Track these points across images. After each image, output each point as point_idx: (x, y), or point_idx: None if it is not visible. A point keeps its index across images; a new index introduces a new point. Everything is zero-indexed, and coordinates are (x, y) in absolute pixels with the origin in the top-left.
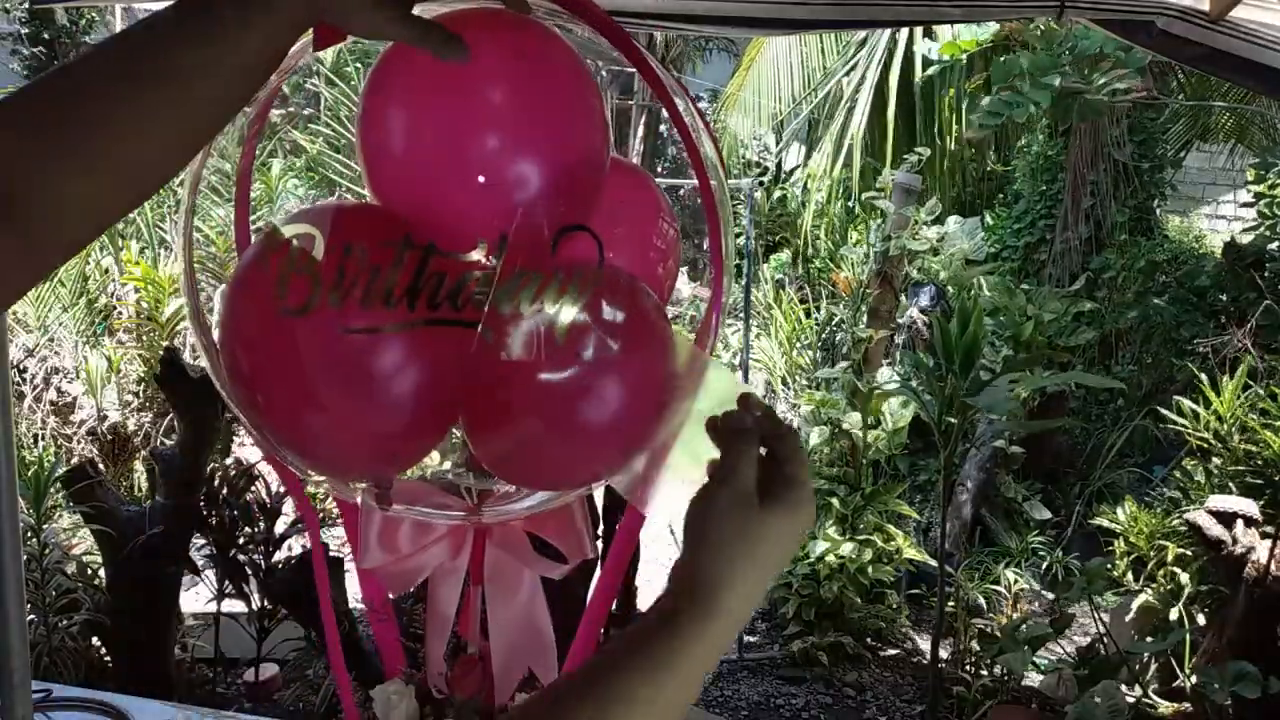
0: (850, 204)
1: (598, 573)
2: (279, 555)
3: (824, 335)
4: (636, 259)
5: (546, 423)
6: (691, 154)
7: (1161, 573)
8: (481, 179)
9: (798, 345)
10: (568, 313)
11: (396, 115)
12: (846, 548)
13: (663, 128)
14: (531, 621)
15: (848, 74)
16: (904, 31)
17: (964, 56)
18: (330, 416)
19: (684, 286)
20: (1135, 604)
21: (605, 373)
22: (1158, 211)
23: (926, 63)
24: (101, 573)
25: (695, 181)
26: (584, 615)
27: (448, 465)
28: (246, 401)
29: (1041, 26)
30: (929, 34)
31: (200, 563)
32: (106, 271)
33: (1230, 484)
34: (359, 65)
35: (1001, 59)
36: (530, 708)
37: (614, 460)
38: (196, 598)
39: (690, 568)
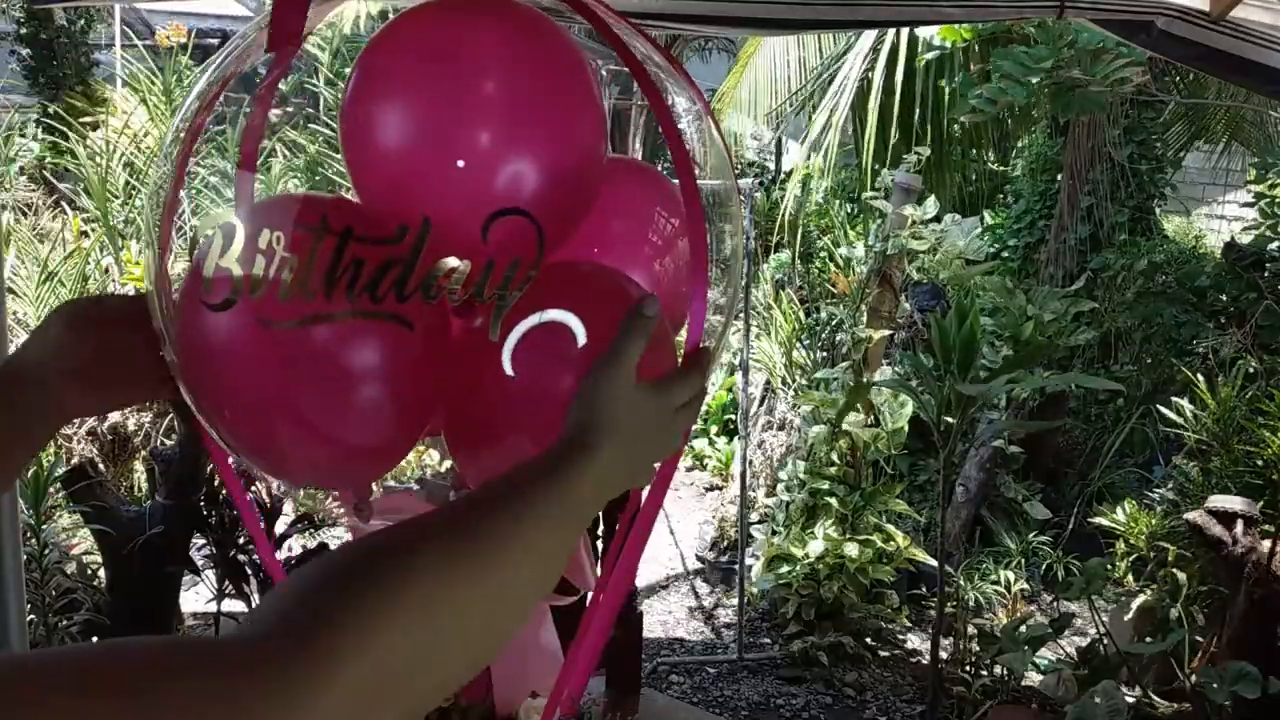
0: (849, 202)
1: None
2: (279, 555)
3: (824, 335)
4: (630, 256)
5: (522, 435)
6: (672, 143)
7: (1161, 573)
8: (468, 175)
9: (798, 345)
10: (521, 308)
11: (380, 108)
12: (846, 548)
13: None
14: (534, 642)
15: (844, 70)
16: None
17: (963, 44)
18: (273, 419)
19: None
20: (1135, 604)
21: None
22: (1157, 211)
23: (926, 47)
24: (101, 573)
25: (710, 182)
26: (592, 620)
27: (445, 466)
28: (202, 412)
29: (1046, 22)
30: None
31: (200, 563)
32: (106, 271)
33: (1230, 484)
34: None
35: (1001, 48)
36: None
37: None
38: (196, 598)
39: (569, 421)
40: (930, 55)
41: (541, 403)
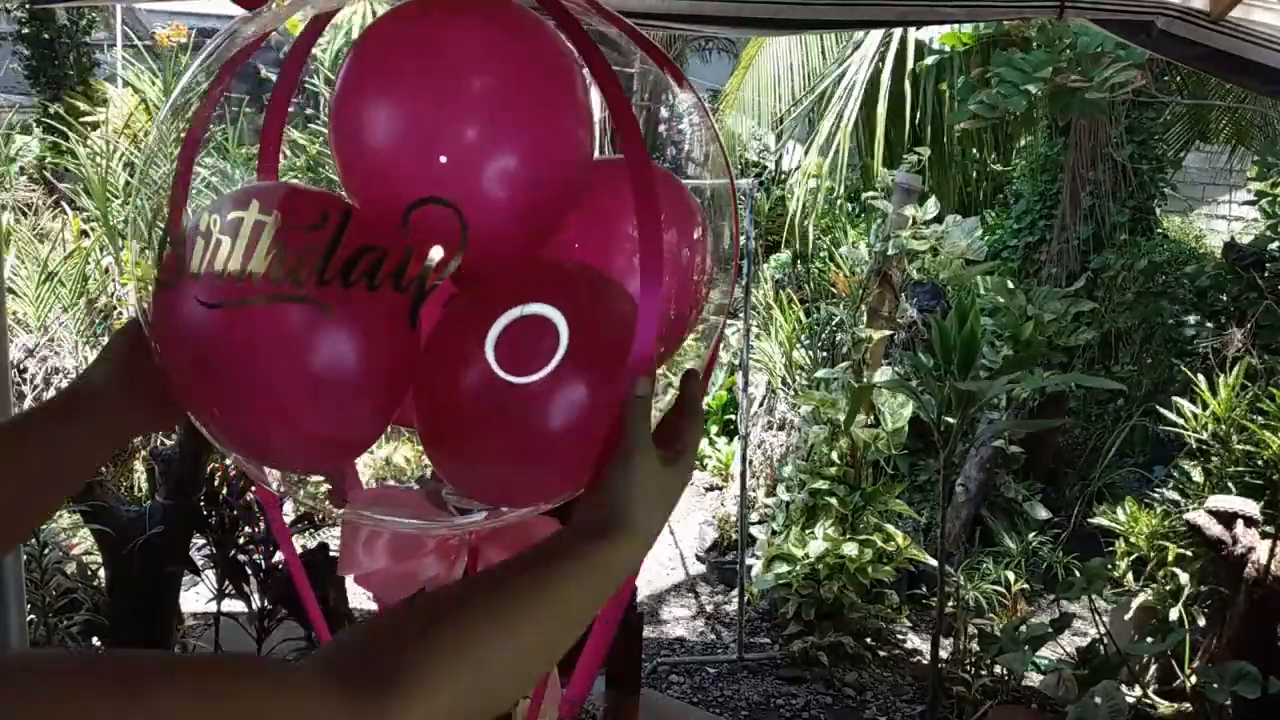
0: (850, 202)
1: None
2: (279, 555)
3: (824, 335)
4: (615, 256)
5: (498, 433)
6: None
7: (1161, 573)
8: (448, 172)
9: (798, 345)
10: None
11: (364, 109)
12: (846, 548)
13: (662, 128)
14: None
15: (846, 71)
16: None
17: (963, 48)
18: (227, 400)
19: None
20: (1135, 604)
21: (552, 378)
22: (1157, 211)
23: (926, 51)
24: (101, 573)
25: (711, 181)
26: (592, 626)
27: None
28: (184, 401)
29: (1046, 23)
30: None
31: (200, 563)
32: (106, 271)
33: (1230, 484)
34: None
35: (1001, 51)
36: (403, 618)
37: (574, 473)
38: (196, 598)
39: (604, 505)
40: (931, 59)
41: (513, 399)
